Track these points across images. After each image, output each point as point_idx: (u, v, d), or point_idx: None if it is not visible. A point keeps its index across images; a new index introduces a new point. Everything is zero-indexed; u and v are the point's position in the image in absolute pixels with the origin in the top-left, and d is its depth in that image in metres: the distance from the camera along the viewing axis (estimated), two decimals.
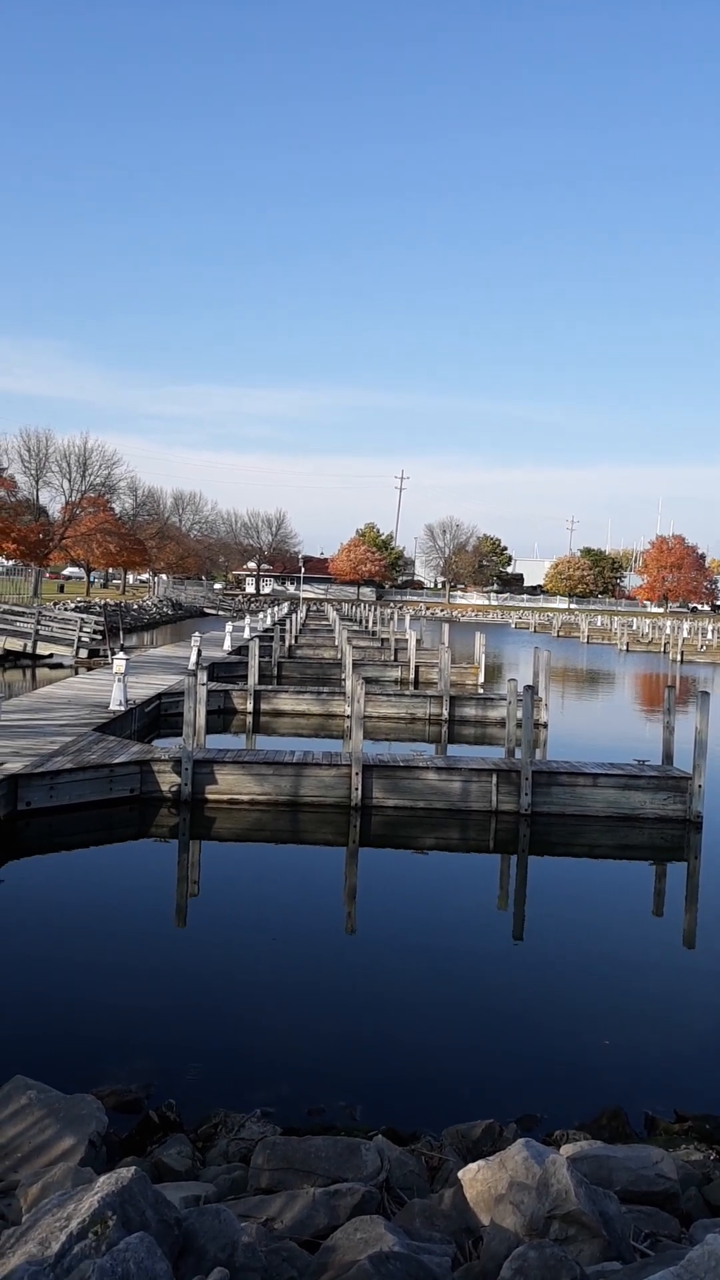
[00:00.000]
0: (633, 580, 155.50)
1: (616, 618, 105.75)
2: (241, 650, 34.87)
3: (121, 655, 21.30)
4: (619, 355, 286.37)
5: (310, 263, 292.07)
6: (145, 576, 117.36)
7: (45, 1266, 3.34)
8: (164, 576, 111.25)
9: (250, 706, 25.95)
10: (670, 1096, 7.04)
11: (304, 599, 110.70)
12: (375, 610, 77.91)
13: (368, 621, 65.69)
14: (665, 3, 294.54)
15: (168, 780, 15.31)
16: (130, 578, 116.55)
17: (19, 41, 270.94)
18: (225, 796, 15.40)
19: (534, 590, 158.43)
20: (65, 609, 50.58)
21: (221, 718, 25.07)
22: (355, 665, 29.77)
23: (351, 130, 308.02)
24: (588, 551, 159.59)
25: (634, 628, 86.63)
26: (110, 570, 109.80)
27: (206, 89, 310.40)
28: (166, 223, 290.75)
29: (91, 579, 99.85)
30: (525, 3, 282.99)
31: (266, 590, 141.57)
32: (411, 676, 34.89)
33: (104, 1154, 5.31)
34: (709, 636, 76.54)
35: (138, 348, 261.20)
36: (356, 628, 59.72)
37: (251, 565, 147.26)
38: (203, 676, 16.51)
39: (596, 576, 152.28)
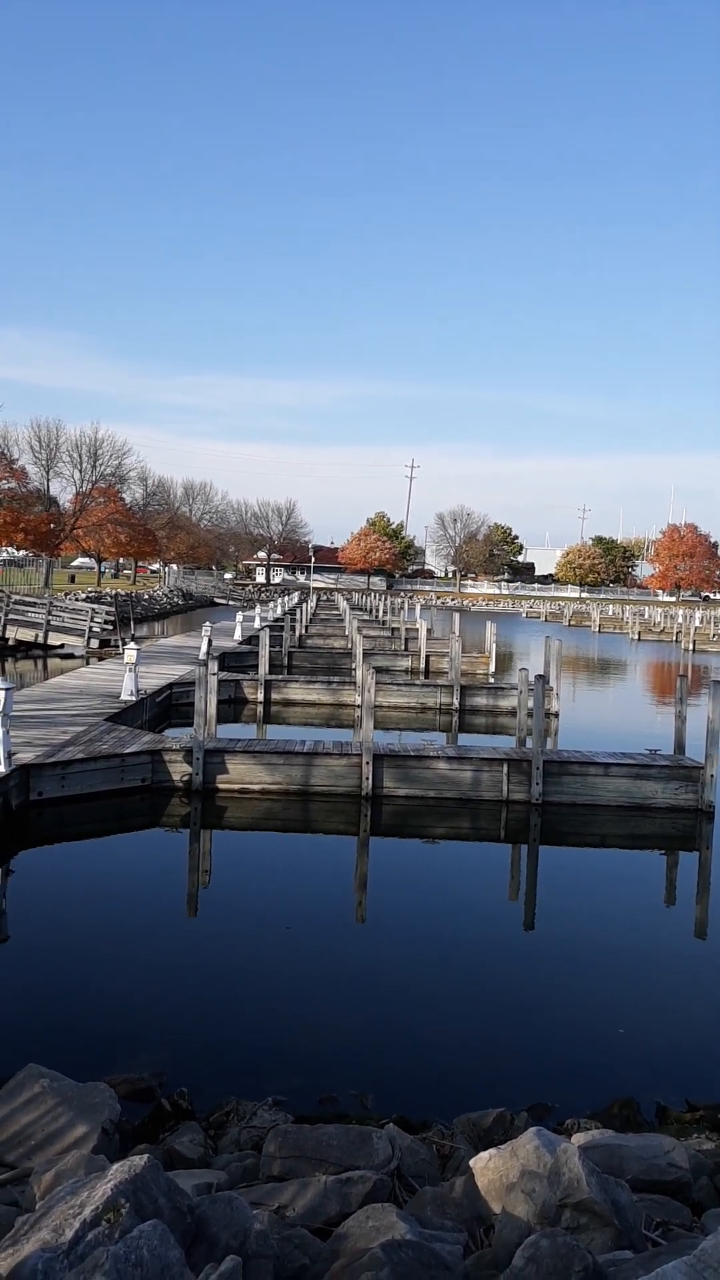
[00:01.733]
0: (644, 569, 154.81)
1: (628, 607, 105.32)
2: (252, 640, 34.89)
3: (132, 645, 21.33)
4: (631, 344, 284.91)
5: (322, 253, 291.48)
6: (155, 566, 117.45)
7: (59, 1253, 3.36)
8: (174, 566, 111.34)
9: (261, 696, 25.98)
10: (682, 1086, 7.04)
11: (314, 588, 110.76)
12: (385, 600, 77.88)
13: (378, 611, 65.63)
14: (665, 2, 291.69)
15: (179, 770, 15.35)
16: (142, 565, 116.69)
17: (33, 37, 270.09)
18: (236, 786, 15.43)
19: (545, 579, 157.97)
20: (76, 599, 50.71)
21: (232, 707, 25.10)
22: (366, 655, 29.73)
23: (364, 122, 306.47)
24: (599, 540, 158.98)
25: (646, 617, 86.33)
26: (121, 560, 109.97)
27: (222, 81, 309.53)
28: (180, 214, 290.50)
29: (102, 569, 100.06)
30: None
31: (277, 580, 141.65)
32: (422, 666, 34.86)
33: (117, 1142, 5.34)
34: None
35: (150, 339, 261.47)
36: (367, 617, 59.66)
37: (262, 555, 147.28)
38: (213, 666, 16.53)
39: (608, 565, 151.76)
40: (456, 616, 38.65)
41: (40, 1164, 4.78)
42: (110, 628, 41.14)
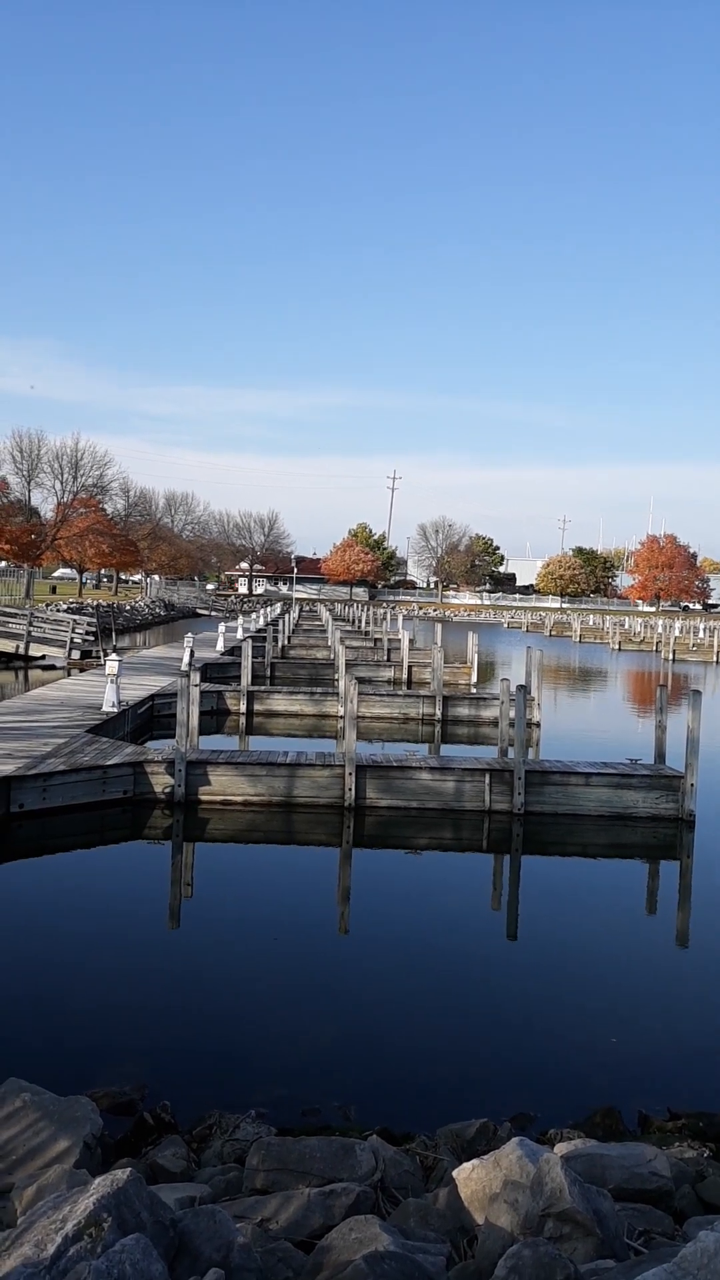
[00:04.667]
0: (624, 579, 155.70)
1: (609, 617, 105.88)
2: (235, 651, 34.83)
3: (114, 656, 21.26)
4: (611, 355, 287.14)
5: (303, 264, 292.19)
6: (138, 577, 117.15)
7: (41, 1269, 3.34)
8: (156, 577, 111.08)
9: (243, 707, 25.94)
10: (663, 1095, 7.06)
11: (297, 599, 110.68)
12: (368, 610, 77.93)
13: (360, 621, 65.69)
14: (665, 3, 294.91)
15: (161, 781, 15.29)
16: (123, 578, 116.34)
17: (17, 43, 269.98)
18: (219, 797, 15.39)
19: (526, 590, 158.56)
20: (57, 610, 50.49)
21: (215, 719, 25.06)
22: (348, 665, 29.80)
23: (346, 131, 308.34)
24: (580, 551, 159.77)
25: (626, 627, 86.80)
26: (102, 571, 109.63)
27: (203, 89, 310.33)
28: (161, 223, 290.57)
29: (84, 580, 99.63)
30: (525, 3, 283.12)
31: (259, 591, 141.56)
32: (405, 676, 34.91)
33: (99, 1156, 5.31)
34: (701, 635, 76.71)
35: (131, 348, 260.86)
36: (349, 628, 59.68)
37: (244, 566, 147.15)
38: (196, 677, 16.50)
39: (588, 576, 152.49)
40: (438, 627, 38.72)
41: (22, 1179, 4.75)
42: (92, 639, 40.95)
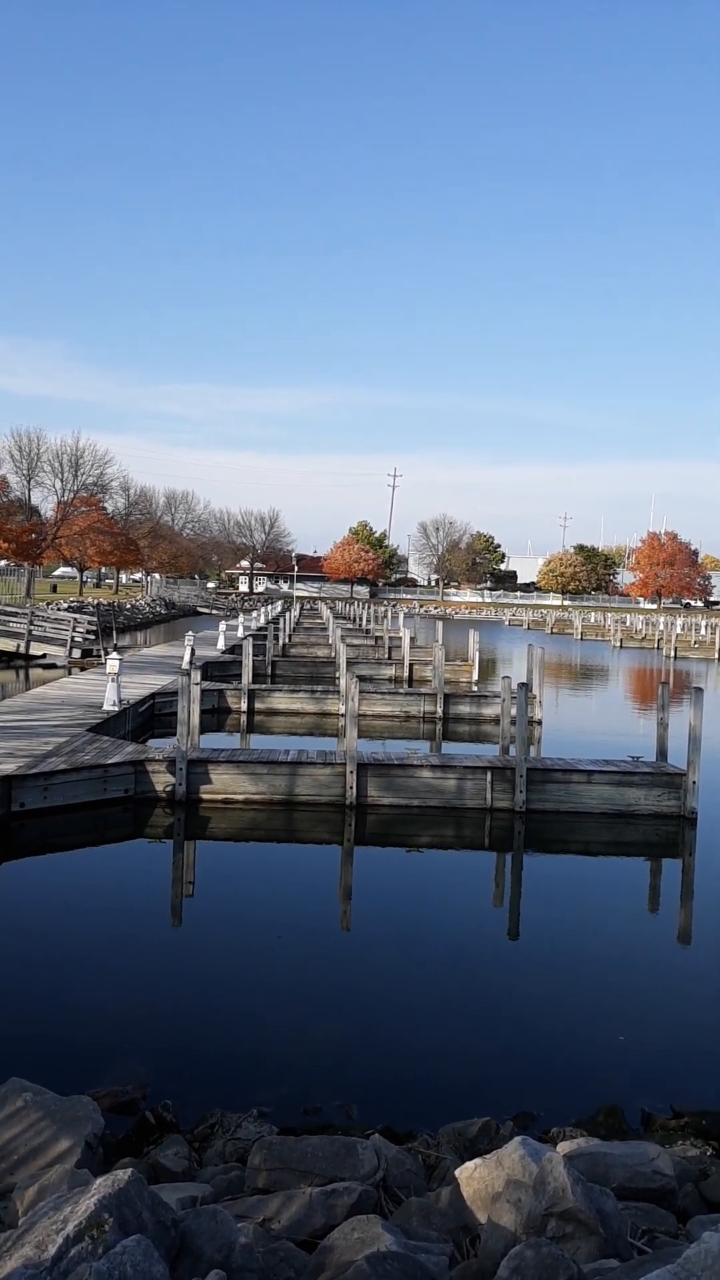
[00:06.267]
0: (626, 577, 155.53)
1: (610, 614, 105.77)
2: (235, 649, 34.80)
3: (115, 655, 21.23)
4: (612, 352, 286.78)
5: (304, 261, 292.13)
6: (138, 576, 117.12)
7: (42, 1270, 3.33)
8: (157, 576, 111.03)
9: (244, 706, 25.93)
10: (667, 1093, 7.05)
11: (298, 597, 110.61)
12: (369, 608, 77.87)
13: (361, 619, 65.61)
14: (663, 4, 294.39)
15: (162, 780, 15.28)
16: (124, 577, 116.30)
17: (17, 41, 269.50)
18: (220, 796, 15.38)
19: (527, 587, 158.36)
20: (58, 609, 50.47)
21: (216, 717, 25.04)
22: (349, 663, 29.77)
23: (345, 129, 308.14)
24: (581, 548, 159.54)
25: (627, 624, 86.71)
26: (103, 569, 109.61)
27: (204, 88, 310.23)
28: (162, 222, 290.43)
29: (84, 578, 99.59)
30: (522, 3, 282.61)
31: (260, 589, 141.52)
32: (406, 674, 34.88)
33: (101, 1155, 5.30)
34: (702, 632, 76.64)
35: (132, 347, 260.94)
36: (350, 626, 59.64)
37: (245, 564, 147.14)
38: (196, 676, 16.48)
39: (590, 573, 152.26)
40: (439, 625, 38.65)
41: (23, 1179, 4.74)
42: (92, 637, 40.94)
